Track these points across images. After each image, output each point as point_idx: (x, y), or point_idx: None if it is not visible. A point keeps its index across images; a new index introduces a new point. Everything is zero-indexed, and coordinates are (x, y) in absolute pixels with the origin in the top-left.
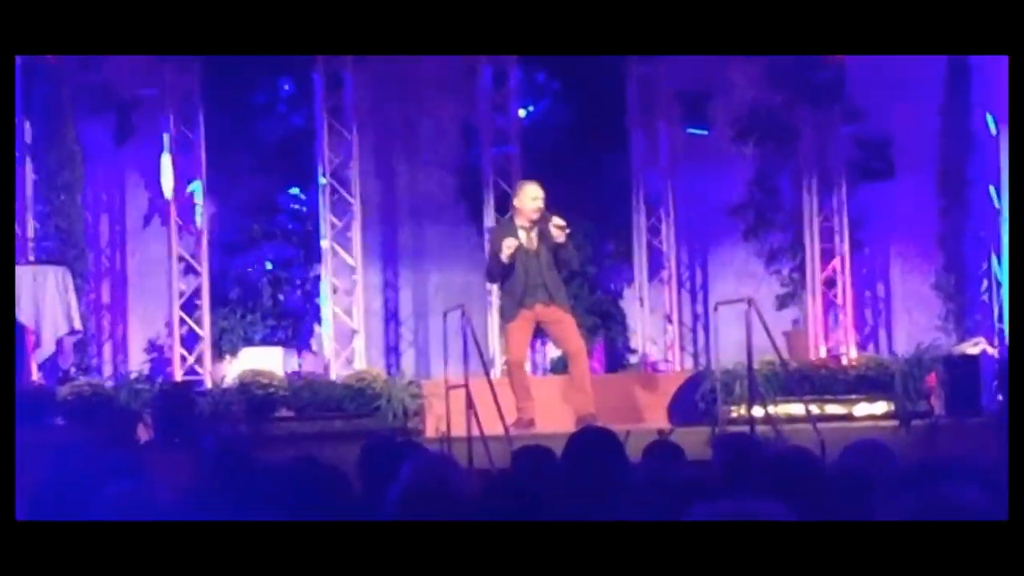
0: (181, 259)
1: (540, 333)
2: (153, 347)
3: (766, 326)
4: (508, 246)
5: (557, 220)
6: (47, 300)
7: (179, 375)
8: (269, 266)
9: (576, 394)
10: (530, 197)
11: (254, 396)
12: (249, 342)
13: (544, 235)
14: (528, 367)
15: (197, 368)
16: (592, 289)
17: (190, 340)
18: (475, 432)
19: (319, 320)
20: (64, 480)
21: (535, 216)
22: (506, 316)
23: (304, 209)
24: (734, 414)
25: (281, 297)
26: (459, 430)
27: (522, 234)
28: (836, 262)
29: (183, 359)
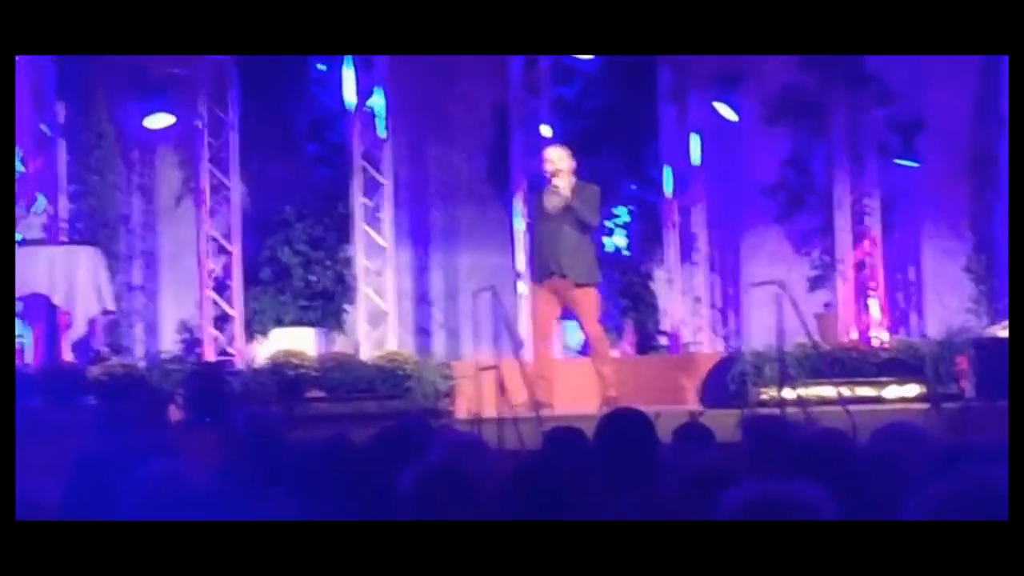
0: (212, 239)
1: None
2: (185, 328)
3: (797, 308)
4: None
5: (556, 182)
6: (80, 280)
7: (210, 355)
8: (301, 247)
9: (596, 379)
10: (545, 158)
11: (285, 377)
12: (280, 323)
13: (562, 201)
14: (557, 348)
15: (228, 348)
16: (624, 271)
17: (221, 321)
18: (506, 413)
19: (350, 301)
20: (97, 460)
21: (549, 176)
22: (532, 279)
23: (335, 189)
24: (765, 396)
25: (313, 278)
26: (490, 411)
27: (545, 199)
28: (867, 244)
29: (215, 340)
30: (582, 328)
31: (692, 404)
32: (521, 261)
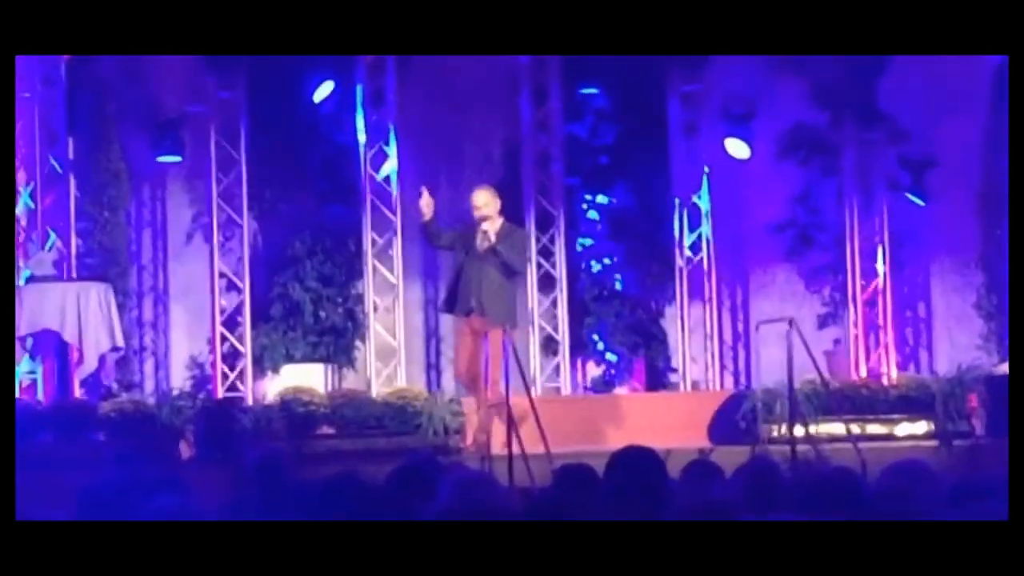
0: (223, 276)
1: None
2: (195, 364)
3: (807, 346)
4: (424, 203)
5: (485, 226)
6: (90, 317)
7: (221, 392)
8: (311, 283)
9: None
10: (473, 204)
11: (295, 413)
12: (290, 359)
13: (488, 244)
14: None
15: (238, 385)
16: (633, 308)
17: (232, 357)
18: (516, 450)
19: (361, 337)
20: (106, 495)
21: (478, 221)
22: (441, 308)
23: (345, 226)
24: (775, 433)
25: (322, 314)
26: (500, 448)
27: (478, 238)
28: (877, 281)
29: (224, 376)
30: (487, 367)
31: (702, 441)
32: (532, 299)
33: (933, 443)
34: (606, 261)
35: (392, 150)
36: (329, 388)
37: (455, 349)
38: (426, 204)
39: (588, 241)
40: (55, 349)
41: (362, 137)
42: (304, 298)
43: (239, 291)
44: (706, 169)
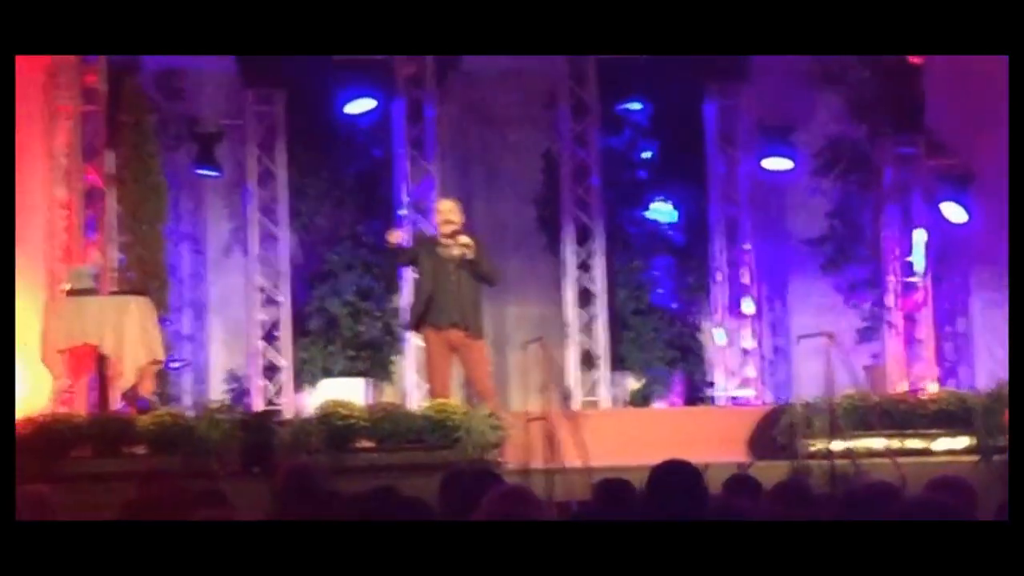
0: (262, 290)
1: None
2: (233, 378)
3: (846, 360)
4: (390, 235)
5: (463, 239)
6: (129, 330)
7: (259, 405)
8: (349, 297)
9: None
10: (440, 215)
11: (334, 427)
12: (329, 373)
13: (467, 256)
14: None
15: (277, 399)
16: (671, 322)
17: (270, 371)
18: (555, 464)
19: (399, 351)
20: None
21: (447, 233)
22: (407, 324)
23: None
24: (814, 448)
25: (361, 328)
26: (539, 462)
27: (443, 250)
28: (917, 296)
29: (263, 389)
30: (476, 384)
31: (741, 456)
32: (571, 313)
33: (973, 458)
34: (644, 276)
35: (429, 157)
36: (367, 402)
37: (430, 363)
38: (394, 238)
39: (626, 255)
40: (94, 363)
41: (399, 149)
42: (342, 312)
43: (277, 305)
44: (743, 183)
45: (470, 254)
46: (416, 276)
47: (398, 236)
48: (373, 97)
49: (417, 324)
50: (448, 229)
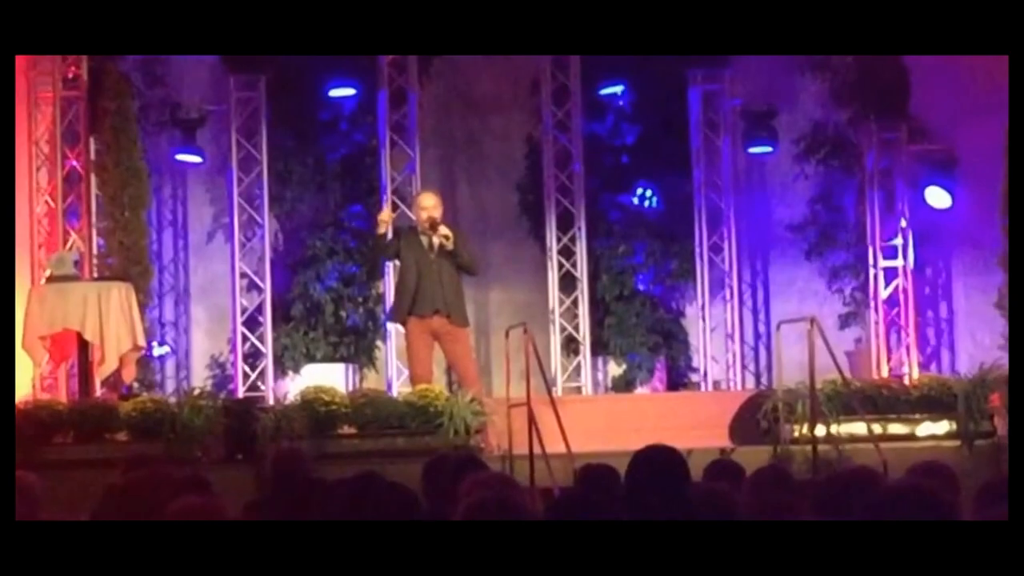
0: (244, 276)
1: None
2: (216, 363)
3: (828, 345)
4: (381, 219)
5: (443, 229)
6: (111, 316)
7: (242, 391)
8: (332, 283)
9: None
10: (419, 207)
11: (316, 413)
12: (311, 359)
13: (448, 246)
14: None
15: (259, 384)
16: (654, 308)
17: (253, 357)
18: (537, 450)
19: (381, 337)
20: (127, 494)
21: (425, 225)
22: (393, 317)
23: (366, 226)
24: (796, 433)
25: (343, 314)
26: (521, 448)
27: (424, 240)
28: (899, 281)
29: (246, 375)
30: (460, 372)
31: (723, 441)
32: (553, 299)
33: (955, 443)
34: (627, 261)
35: (411, 143)
36: (350, 388)
37: (410, 349)
38: (386, 217)
39: (609, 240)
40: (76, 349)
41: (382, 135)
42: (324, 298)
43: (260, 291)
44: (725, 169)
45: (449, 245)
46: (399, 268)
47: (389, 215)
48: (356, 82)
49: (407, 314)
50: (428, 221)
